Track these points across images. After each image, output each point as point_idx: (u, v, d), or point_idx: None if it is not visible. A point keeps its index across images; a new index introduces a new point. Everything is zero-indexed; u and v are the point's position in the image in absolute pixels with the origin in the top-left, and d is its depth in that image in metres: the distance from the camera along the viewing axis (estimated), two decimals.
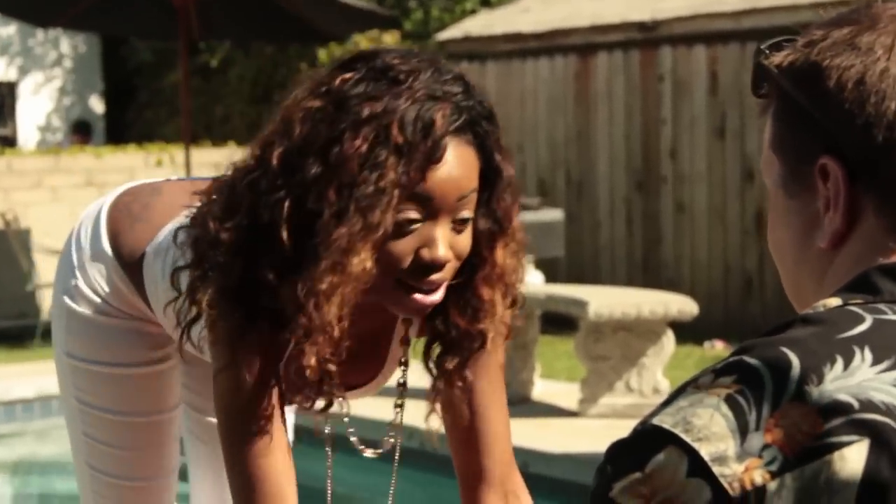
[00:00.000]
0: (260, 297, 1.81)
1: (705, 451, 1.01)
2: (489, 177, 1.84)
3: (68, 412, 2.30)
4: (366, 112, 1.75)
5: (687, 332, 7.49)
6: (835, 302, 1.11)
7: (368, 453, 2.02)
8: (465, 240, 1.83)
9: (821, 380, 1.02)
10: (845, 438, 1.00)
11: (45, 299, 11.27)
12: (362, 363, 2.01)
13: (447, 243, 1.79)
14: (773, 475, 1.00)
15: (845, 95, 1.12)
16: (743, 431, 1.01)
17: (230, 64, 15.63)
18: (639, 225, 10.10)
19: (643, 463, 1.02)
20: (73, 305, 2.22)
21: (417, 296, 1.80)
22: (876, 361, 1.03)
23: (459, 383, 1.93)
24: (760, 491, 1.00)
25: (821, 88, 1.14)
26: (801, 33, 1.19)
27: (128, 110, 16.89)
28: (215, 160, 12.51)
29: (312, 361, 1.79)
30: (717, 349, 8.90)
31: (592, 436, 6.02)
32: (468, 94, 1.81)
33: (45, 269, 10.26)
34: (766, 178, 1.22)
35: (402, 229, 1.77)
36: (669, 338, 6.57)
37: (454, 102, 1.79)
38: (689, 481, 1.01)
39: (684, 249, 9.86)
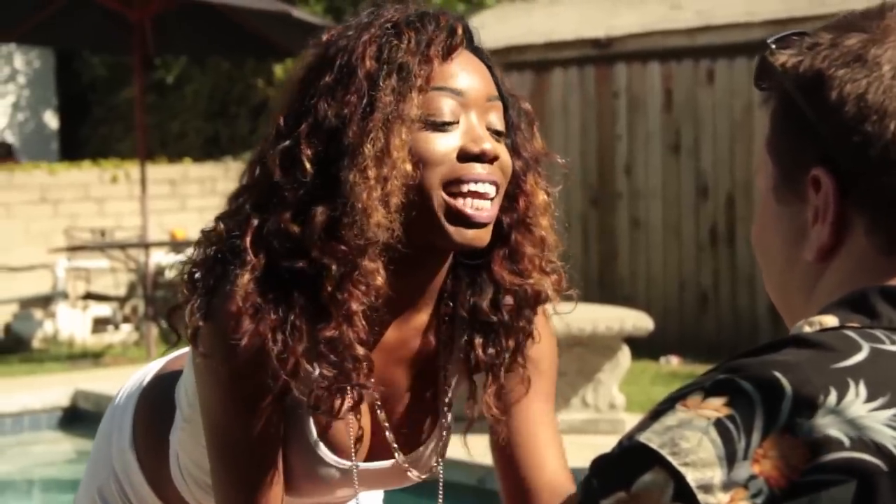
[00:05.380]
0: (292, 272, 1.64)
1: (692, 478, 0.98)
2: (504, 102, 1.77)
3: None
4: (364, 35, 1.68)
5: (642, 347, 7.51)
6: (831, 321, 1.07)
7: (413, 475, 1.87)
8: (504, 152, 1.72)
9: (813, 412, 0.99)
10: (833, 477, 0.97)
11: (2, 314, 11.20)
12: (407, 413, 1.86)
13: (491, 139, 1.70)
14: None
15: (846, 109, 1.09)
16: (730, 459, 0.98)
17: (186, 80, 15.58)
18: (594, 241, 10.13)
19: (629, 482, 1.00)
20: None
21: (468, 209, 1.67)
22: (870, 398, 1.00)
23: (521, 366, 1.87)
24: None
25: (822, 98, 1.10)
26: (810, 33, 1.15)
27: (83, 126, 16.81)
28: (171, 176, 12.49)
29: (354, 307, 1.64)
30: (673, 364, 8.93)
31: None
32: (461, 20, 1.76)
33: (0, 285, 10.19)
34: (757, 180, 1.19)
35: (439, 125, 1.68)
36: (625, 353, 6.59)
37: (450, 15, 1.73)
38: None
39: (639, 265, 9.90)
